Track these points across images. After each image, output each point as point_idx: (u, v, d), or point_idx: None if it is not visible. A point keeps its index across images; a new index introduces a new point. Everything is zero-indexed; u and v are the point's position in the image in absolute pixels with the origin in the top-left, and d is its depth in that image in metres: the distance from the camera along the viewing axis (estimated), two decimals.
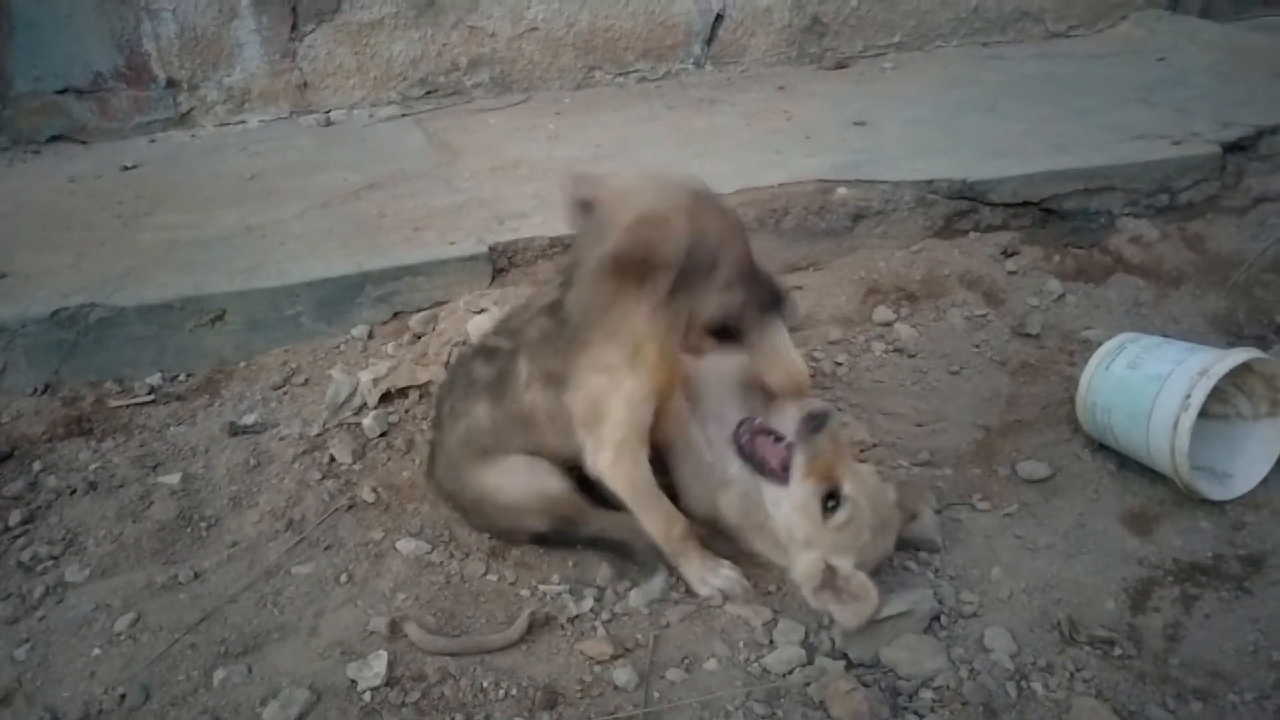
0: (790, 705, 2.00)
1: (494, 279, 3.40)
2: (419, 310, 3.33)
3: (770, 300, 2.18)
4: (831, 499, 2.14)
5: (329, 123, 5.29)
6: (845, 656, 2.11)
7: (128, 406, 3.10)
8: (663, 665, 2.11)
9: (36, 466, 2.87)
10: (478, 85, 5.59)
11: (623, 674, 2.08)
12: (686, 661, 2.13)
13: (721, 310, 2.10)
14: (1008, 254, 3.64)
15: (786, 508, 2.19)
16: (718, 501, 2.36)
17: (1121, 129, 4.15)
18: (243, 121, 5.35)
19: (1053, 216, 3.77)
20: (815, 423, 2.17)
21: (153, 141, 5.14)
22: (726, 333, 2.19)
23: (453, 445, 2.45)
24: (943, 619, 2.19)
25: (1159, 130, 4.08)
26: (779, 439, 2.25)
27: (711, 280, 2.05)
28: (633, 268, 1.98)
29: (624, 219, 1.99)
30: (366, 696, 2.05)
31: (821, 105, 4.93)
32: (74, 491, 2.76)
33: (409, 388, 3.03)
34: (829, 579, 2.13)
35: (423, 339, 3.23)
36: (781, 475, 2.20)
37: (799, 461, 2.17)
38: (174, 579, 2.42)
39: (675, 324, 2.11)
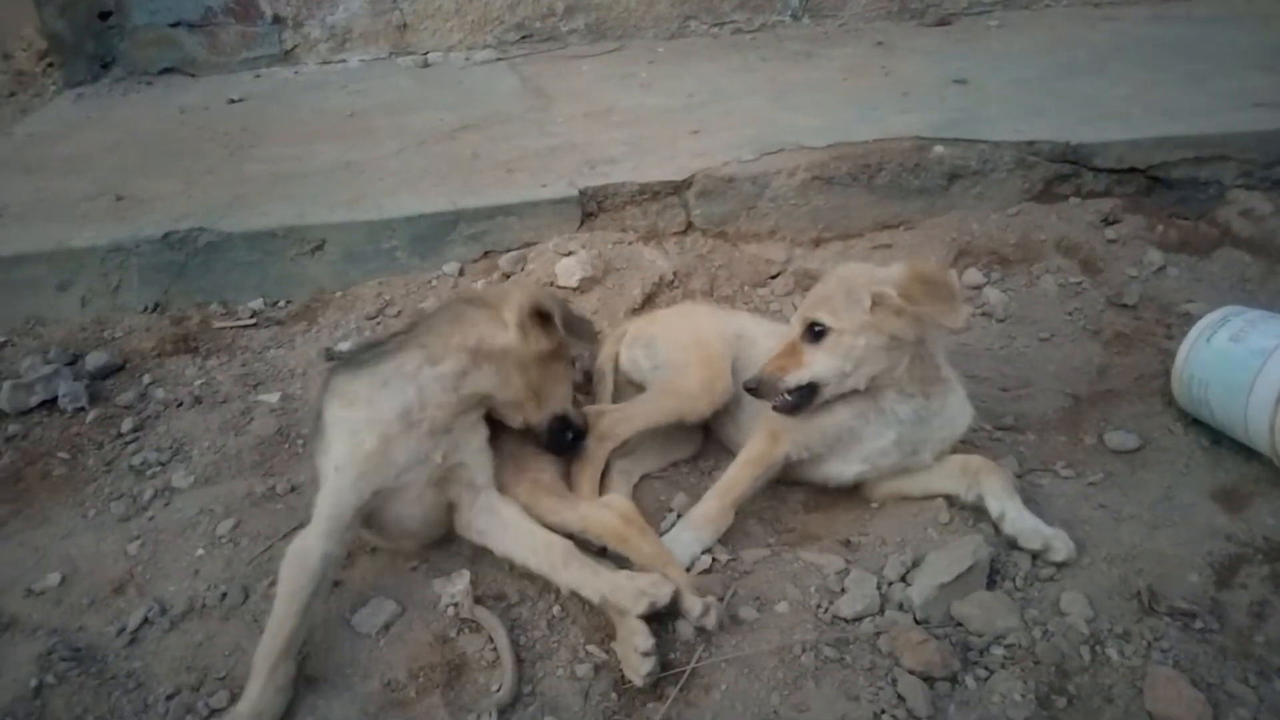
0: (859, 651, 2.02)
1: (583, 222, 3.44)
2: (509, 250, 3.40)
3: None
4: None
5: (426, 64, 5.38)
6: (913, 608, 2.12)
7: (231, 328, 3.25)
8: (735, 605, 2.15)
9: (146, 379, 3.04)
10: (573, 31, 5.60)
11: (683, 625, 2.11)
12: (758, 602, 2.16)
13: None
14: (1108, 221, 3.53)
15: None
16: None
17: (1238, 96, 3.96)
18: (343, 60, 5.47)
19: (1159, 185, 3.63)
20: None
21: (258, 76, 5.30)
22: None
23: None
24: (1017, 580, 2.18)
25: None
26: None
27: None
28: None
29: None
30: (449, 611, 2.15)
31: (921, 62, 4.81)
32: (181, 404, 2.93)
33: None
34: None
35: (512, 278, 3.30)
36: None
37: None
38: (272, 490, 2.55)
39: None
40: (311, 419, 2.37)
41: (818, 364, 2.29)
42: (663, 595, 1.98)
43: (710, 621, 2.02)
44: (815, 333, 2.29)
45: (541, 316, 2.28)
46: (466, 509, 2.23)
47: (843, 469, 2.44)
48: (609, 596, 2.02)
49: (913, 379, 2.34)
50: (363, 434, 2.11)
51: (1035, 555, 2.20)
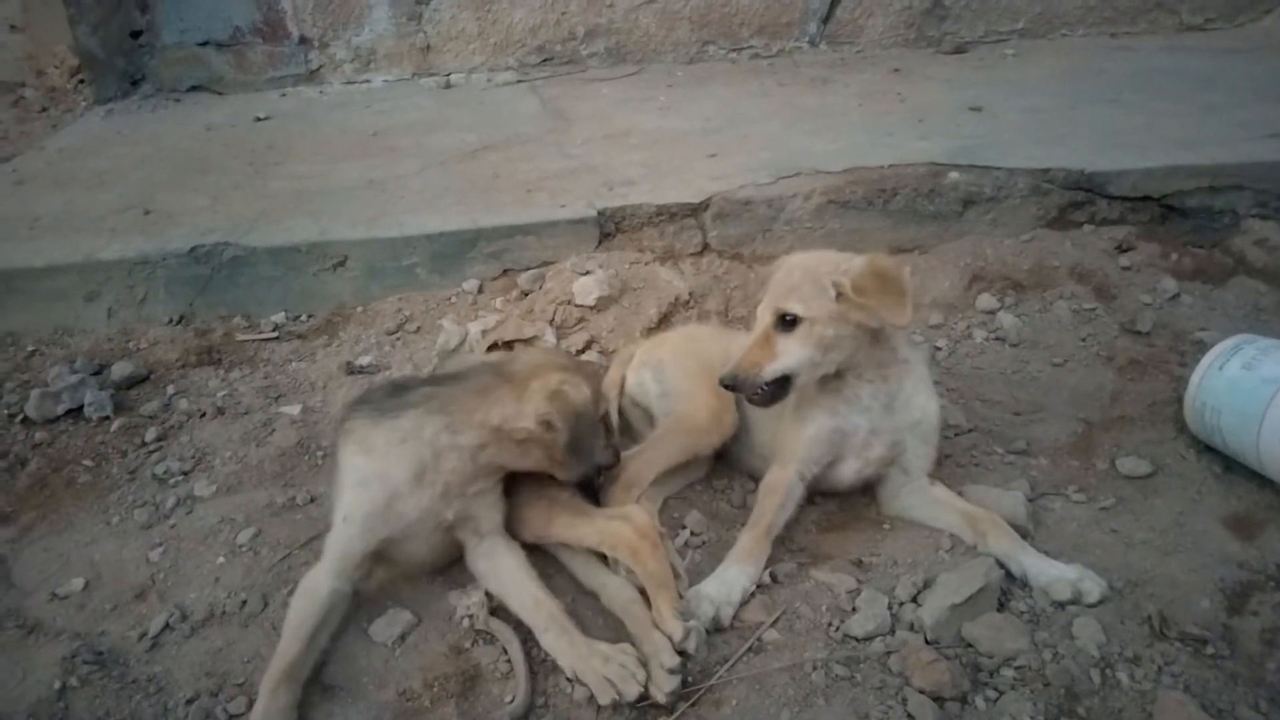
0: (870, 670, 2.04)
1: (600, 242, 3.49)
2: (527, 269, 3.45)
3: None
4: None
5: (448, 85, 5.46)
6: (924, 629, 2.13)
7: (254, 341, 3.31)
8: (747, 627, 2.17)
9: (170, 390, 3.09)
10: (593, 55, 5.68)
11: (695, 640, 2.13)
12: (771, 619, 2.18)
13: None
14: (1122, 249, 3.55)
15: None
16: None
17: (1254, 126, 3.98)
18: (368, 80, 5.56)
19: (1173, 213, 3.65)
20: None
21: (283, 95, 5.39)
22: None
23: None
24: (1028, 602, 2.19)
25: None
26: None
27: None
28: None
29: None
30: (464, 623, 2.17)
31: (937, 89, 4.85)
32: (204, 415, 2.98)
33: (515, 340, 3.15)
34: None
35: (529, 296, 3.34)
36: None
37: None
38: (292, 500, 2.60)
39: None
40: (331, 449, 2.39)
41: (792, 354, 2.33)
42: (629, 693, 1.97)
43: (691, 645, 2.04)
44: (787, 322, 2.32)
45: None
46: (470, 550, 2.27)
47: (842, 469, 2.49)
48: (579, 676, 2.04)
49: (870, 363, 2.40)
50: (373, 487, 2.14)
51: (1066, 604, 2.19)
